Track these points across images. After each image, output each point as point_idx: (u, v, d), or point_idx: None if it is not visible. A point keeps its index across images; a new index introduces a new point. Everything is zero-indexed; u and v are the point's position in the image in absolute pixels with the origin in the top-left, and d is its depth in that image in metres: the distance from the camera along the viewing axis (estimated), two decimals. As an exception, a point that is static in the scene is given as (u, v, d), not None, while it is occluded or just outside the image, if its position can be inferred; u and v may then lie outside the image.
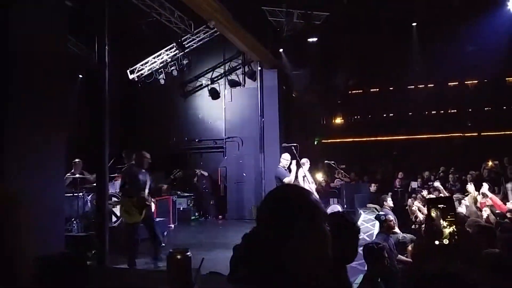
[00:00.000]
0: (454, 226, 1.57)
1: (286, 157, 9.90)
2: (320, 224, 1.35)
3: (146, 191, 7.87)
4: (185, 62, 15.99)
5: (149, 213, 8.08)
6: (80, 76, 16.28)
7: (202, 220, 15.07)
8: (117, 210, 9.36)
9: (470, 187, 9.05)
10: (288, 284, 1.28)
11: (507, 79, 17.19)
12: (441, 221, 1.61)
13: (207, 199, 15.52)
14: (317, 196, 1.51)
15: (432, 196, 9.92)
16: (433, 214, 1.57)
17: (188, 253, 1.75)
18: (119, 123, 12.15)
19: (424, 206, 9.42)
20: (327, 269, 1.34)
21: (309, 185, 9.95)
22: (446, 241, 1.54)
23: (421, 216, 9.06)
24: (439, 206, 1.63)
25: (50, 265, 2.05)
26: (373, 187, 14.06)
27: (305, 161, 11.02)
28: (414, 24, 17.31)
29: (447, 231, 1.57)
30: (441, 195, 9.73)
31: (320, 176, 14.56)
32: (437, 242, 1.53)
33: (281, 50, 15.50)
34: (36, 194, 5.30)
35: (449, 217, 1.60)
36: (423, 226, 8.63)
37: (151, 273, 2.58)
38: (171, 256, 1.73)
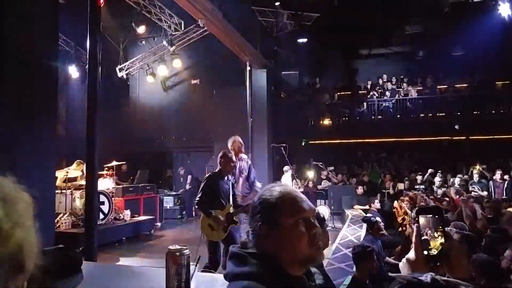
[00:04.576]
0: (443, 237, 1.58)
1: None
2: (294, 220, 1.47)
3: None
4: (175, 60, 15.92)
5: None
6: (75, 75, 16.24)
7: (189, 218, 14.97)
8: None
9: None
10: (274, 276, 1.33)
11: (496, 83, 17.27)
12: (429, 231, 1.61)
13: (192, 198, 15.41)
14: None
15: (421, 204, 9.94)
16: (422, 224, 1.57)
17: (187, 251, 1.75)
18: (107, 121, 12.09)
19: (409, 209, 9.49)
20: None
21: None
22: (434, 252, 1.54)
23: (408, 219, 9.10)
24: (428, 216, 1.63)
25: (45, 260, 2.02)
26: (359, 190, 14.11)
27: (287, 169, 11.15)
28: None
29: (437, 242, 1.58)
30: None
31: (310, 174, 14.60)
32: (425, 252, 1.53)
33: (270, 50, 15.47)
34: (26, 189, 5.24)
35: (439, 227, 1.60)
36: (405, 228, 8.73)
37: (146, 270, 2.56)
38: (169, 253, 1.72)
